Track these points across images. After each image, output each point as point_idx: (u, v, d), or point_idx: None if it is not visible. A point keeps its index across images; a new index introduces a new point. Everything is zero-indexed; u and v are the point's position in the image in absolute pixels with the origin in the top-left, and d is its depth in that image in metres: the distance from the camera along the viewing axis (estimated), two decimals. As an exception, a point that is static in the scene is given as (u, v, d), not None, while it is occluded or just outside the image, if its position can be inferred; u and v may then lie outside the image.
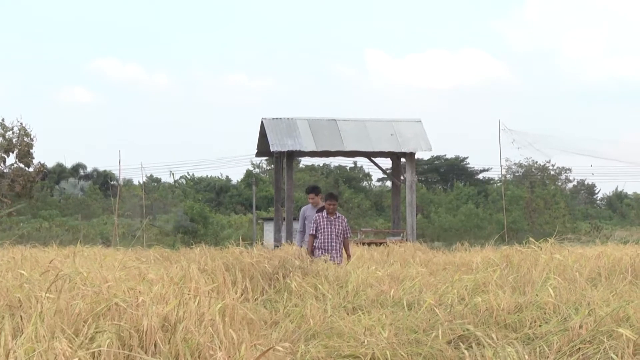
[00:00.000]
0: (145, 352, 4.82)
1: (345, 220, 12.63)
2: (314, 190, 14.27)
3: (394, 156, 30.19)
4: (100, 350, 4.58)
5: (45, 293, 5.18)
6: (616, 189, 78.01)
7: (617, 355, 6.09)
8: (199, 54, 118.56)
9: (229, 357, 4.68)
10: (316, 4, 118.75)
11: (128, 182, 63.30)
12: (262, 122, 29.76)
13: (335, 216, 12.45)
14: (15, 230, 44.82)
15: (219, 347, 4.84)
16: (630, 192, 76.31)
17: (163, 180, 72.32)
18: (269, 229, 43.01)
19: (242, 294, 6.78)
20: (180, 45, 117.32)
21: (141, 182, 56.18)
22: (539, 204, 52.98)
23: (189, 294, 5.56)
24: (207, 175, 76.56)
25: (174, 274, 6.45)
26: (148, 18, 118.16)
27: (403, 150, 29.10)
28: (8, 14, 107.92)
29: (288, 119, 29.49)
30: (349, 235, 12.60)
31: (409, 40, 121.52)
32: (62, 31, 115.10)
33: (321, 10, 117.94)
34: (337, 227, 12.41)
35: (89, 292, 5.37)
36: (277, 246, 23.14)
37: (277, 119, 29.50)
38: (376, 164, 31.98)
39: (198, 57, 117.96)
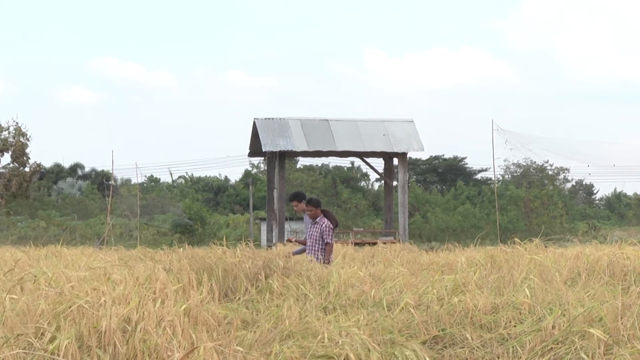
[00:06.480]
0: (105, 353, 4.81)
1: (324, 224, 12.43)
2: (295, 197, 13.11)
3: (386, 156, 30.14)
4: (58, 352, 4.57)
5: (7, 294, 5.18)
6: (615, 189, 77.96)
7: (588, 356, 6.09)
8: (198, 53, 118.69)
9: (187, 358, 4.66)
10: (316, 4, 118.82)
11: (126, 182, 63.25)
12: (254, 122, 29.68)
13: (314, 221, 12.51)
14: (12, 230, 44.81)
15: (177, 348, 4.83)
16: (630, 192, 76.18)
17: (162, 180, 72.38)
18: (265, 229, 43.05)
19: (208, 294, 6.76)
20: (179, 44, 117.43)
21: (138, 182, 56.13)
22: (536, 204, 53.01)
23: (150, 295, 5.54)
24: (205, 175, 76.68)
25: (139, 274, 6.43)
26: (146, 17, 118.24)
27: (395, 151, 29.06)
28: (5, 12, 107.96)
29: (280, 119, 29.37)
30: (326, 240, 12.46)
31: (408, 39, 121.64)
32: (60, 30, 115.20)
33: (321, 10, 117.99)
34: (315, 232, 12.48)
35: (51, 293, 5.36)
36: (270, 246, 23.14)
37: (269, 119, 29.41)
38: (368, 164, 31.96)
39: (197, 56, 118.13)
